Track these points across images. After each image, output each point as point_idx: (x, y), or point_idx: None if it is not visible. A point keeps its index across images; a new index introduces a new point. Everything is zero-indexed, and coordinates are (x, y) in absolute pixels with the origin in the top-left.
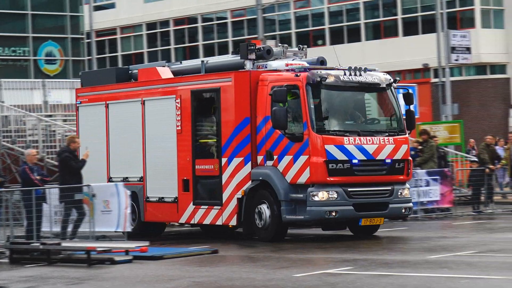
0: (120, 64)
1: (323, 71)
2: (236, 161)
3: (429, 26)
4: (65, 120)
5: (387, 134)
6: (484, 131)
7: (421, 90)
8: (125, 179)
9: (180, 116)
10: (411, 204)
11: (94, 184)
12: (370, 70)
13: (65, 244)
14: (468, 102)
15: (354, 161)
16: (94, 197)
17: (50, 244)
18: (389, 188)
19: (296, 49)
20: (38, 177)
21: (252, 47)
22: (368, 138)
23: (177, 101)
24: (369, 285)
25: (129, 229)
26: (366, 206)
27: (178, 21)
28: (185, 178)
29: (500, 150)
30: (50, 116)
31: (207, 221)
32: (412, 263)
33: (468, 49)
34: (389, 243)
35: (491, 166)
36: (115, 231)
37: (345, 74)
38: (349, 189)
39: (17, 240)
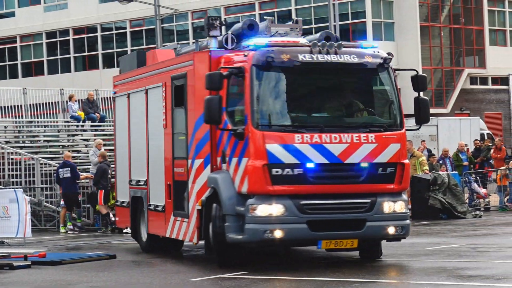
0: (20, 74)
1: (284, 49)
2: (197, 163)
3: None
4: None
5: (367, 129)
6: None
7: None
8: (137, 183)
9: (165, 107)
10: (405, 222)
11: None
12: (353, 47)
13: None
14: None
15: (309, 165)
16: None
17: None
18: (367, 200)
19: (290, 23)
20: None
21: (213, 22)
22: (334, 135)
23: (162, 89)
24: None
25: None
26: (328, 224)
27: (78, 31)
28: (168, 182)
29: None
30: None
31: (180, 236)
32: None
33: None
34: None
35: None
36: (15, 237)
37: (311, 53)
38: (301, 202)
39: None
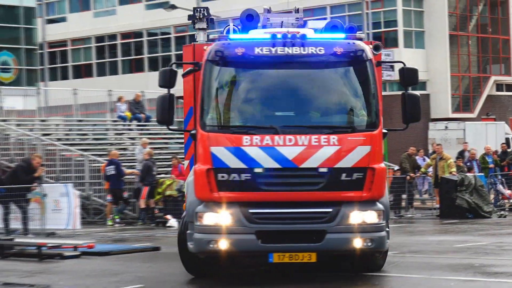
0: (70, 75)
1: (241, 42)
2: (186, 164)
3: None
4: (18, 125)
5: (330, 131)
6: (405, 143)
7: None
8: None
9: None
10: (376, 234)
11: (45, 185)
12: (323, 39)
13: (17, 239)
14: (391, 116)
15: (258, 170)
16: (45, 197)
17: (3, 239)
18: (327, 210)
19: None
20: None
21: (199, 13)
22: (289, 137)
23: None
24: None
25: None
26: (281, 235)
27: (125, 35)
28: None
29: (420, 160)
30: (4, 121)
31: None
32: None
33: (391, 67)
34: None
35: (411, 174)
36: (66, 229)
37: (273, 46)
38: (250, 211)
39: None
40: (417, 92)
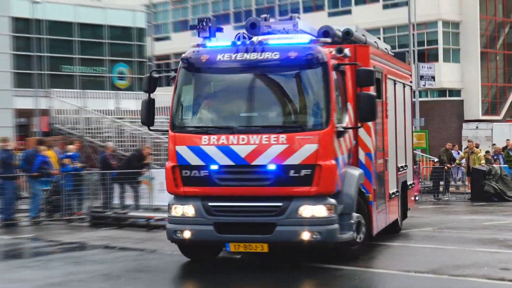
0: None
1: (207, 49)
2: None
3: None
4: (132, 122)
5: (280, 130)
6: (443, 139)
7: None
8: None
9: None
10: (325, 227)
11: (153, 170)
12: (284, 45)
13: (131, 213)
14: (432, 117)
15: (214, 167)
16: (153, 179)
17: (119, 213)
18: (277, 204)
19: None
20: (114, 163)
21: (201, 25)
22: (242, 136)
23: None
24: None
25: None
26: (235, 227)
27: None
28: None
29: (455, 154)
30: (121, 118)
31: None
32: (385, 235)
33: (433, 78)
34: None
35: (448, 165)
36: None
37: (236, 52)
38: (209, 204)
39: (95, 209)
40: (453, 98)
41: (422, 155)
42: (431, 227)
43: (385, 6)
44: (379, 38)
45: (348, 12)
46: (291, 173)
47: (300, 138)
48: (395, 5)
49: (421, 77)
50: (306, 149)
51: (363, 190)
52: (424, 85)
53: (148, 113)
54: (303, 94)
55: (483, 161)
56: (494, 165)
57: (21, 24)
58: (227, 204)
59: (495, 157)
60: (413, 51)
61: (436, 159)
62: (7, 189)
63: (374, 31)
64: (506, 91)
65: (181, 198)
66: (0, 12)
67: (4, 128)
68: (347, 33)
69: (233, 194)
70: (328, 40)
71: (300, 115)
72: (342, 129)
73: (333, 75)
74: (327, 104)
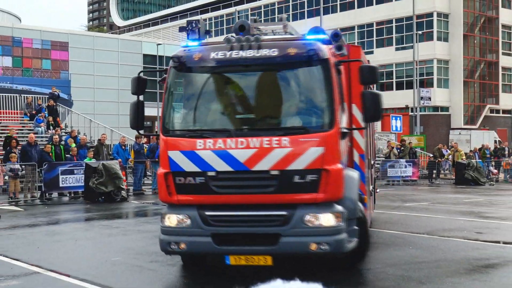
0: None
1: (200, 48)
2: None
3: (409, 85)
4: None
5: (282, 132)
6: (436, 141)
7: (404, 119)
8: None
9: None
10: (333, 237)
11: None
12: (277, 41)
13: None
14: (428, 126)
15: (211, 173)
16: None
17: None
18: (282, 213)
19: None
20: None
21: (190, 26)
22: (241, 139)
23: None
24: None
25: None
26: (236, 238)
27: None
28: None
29: (444, 151)
30: None
31: None
32: (394, 207)
33: (429, 98)
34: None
35: (439, 159)
36: None
37: (230, 50)
38: (207, 213)
39: None
40: (443, 113)
41: (421, 152)
42: (426, 202)
43: (397, 48)
44: (392, 71)
45: (371, 52)
46: (296, 179)
47: (304, 141)
48: (404, 48)
49: (421, 98)
50: (311, 153)
51: (359, 192)
52: (423, 103)
53: (137, 117)
54: (305, 93)
55: (464, 157)
56: (472, 160)
57: (148, 59)
58: (226, 213)
59: (472, 154)
60: (416, 80)
61: (431, 155)
62: (137, 170)
63: (389, 65)
64: (481, 108)
65: (175, 207)
66: (135, 50)
67: None
68: (336, 35)
69: (233, 203)
70: (325, 36)
71: (303, 116)
72: (346, 130)
73: (335, 72)
74: (331, 104)
